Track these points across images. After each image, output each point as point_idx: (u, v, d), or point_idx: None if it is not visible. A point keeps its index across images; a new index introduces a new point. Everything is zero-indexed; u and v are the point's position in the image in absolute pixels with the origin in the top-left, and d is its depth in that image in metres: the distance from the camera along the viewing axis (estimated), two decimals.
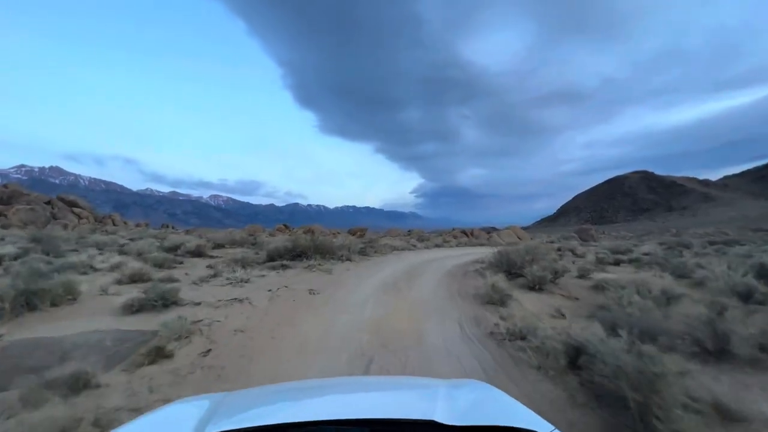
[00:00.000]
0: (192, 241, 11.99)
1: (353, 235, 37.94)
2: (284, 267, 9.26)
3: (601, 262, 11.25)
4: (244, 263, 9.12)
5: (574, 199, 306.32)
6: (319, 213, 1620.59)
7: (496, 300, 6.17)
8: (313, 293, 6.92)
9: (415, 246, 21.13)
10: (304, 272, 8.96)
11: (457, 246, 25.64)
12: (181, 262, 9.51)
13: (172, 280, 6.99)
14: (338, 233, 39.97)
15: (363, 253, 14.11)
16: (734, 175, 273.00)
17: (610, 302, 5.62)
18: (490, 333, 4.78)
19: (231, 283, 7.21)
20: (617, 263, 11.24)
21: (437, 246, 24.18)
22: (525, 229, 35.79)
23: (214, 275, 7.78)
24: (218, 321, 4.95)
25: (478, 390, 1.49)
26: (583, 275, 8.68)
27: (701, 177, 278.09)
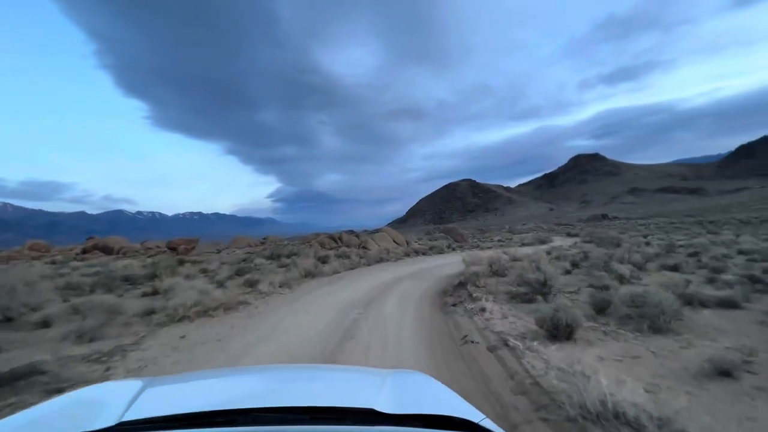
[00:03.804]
0: None
1: (173, 249, 28.40)
2: None
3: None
4: None
5: (419, 202, 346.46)
6: (152, 222, 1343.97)
7: None
8: None
9: (254, 287, 9.13)
10: None
11: (350, 268, 14.01)
12: None
13: None
14: (145, 248, 29.51)
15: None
16: (524, 184, 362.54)
17: None
18: None
19: None
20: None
21: (310, 276, 11.71)
22: (378, 231, 32.07)
23: None
24: None
25: (417, 380, 1.52)
26: None
27: (505, 185, 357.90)
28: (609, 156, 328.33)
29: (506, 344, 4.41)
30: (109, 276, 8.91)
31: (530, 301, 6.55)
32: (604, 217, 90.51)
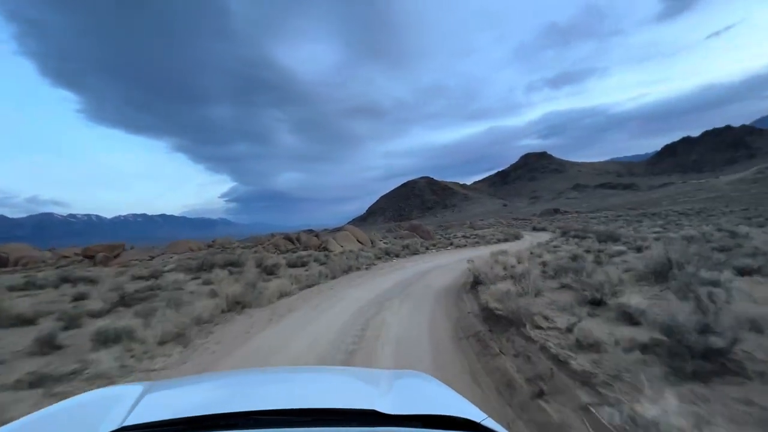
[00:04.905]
0: None
1: (90, 257, 23.93)
2: None
3: None
4: None
5: (378, 200, 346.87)
6: (88, 225, 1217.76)
7: None
8: None
9: (115, 344, 4.38)
10: None
11: (306, 286, 9.53)
12: None
13: None
14: (57, 257, 24.65)
15: None
16: (479, 181, 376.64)
17: None
18: None
19: None
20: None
21: (240, 307, 7.00)
22: (340, 230, 29.39)
23: None
24: None
25: (418, 380, 1.50)
26: None
27: (461, 182, 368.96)
28: (555, 155, 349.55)
29: None
30: None
31: (698, 376, 2.84)
32: (557, 211, 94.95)
